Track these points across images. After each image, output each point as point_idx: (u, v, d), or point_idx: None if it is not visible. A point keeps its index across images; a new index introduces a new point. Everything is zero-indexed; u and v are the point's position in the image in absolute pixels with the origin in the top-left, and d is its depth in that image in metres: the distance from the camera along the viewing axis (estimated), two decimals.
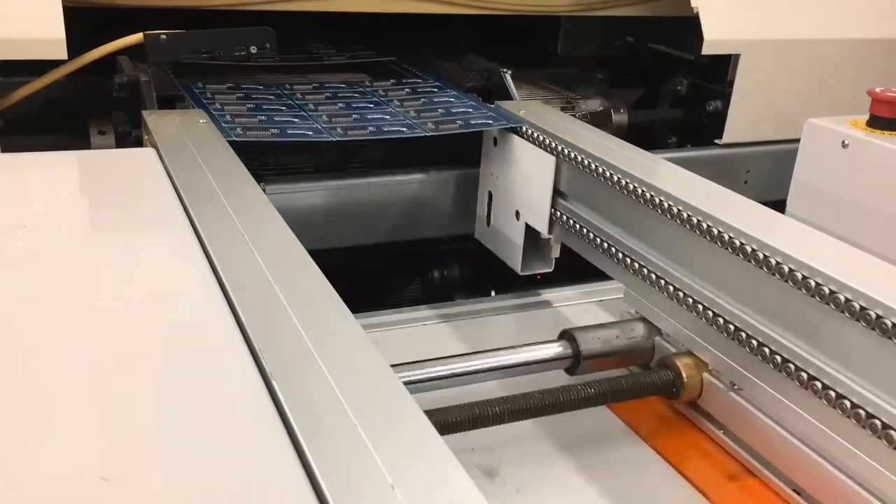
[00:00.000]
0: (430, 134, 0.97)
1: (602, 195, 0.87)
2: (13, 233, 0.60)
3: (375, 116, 1.01)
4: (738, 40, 1.20)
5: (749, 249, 0.68)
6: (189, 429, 0.41)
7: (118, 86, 0.99)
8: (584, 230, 0.89)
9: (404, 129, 0.98)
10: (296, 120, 0.98)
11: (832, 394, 0.63)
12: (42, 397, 0.43)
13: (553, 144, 0.92)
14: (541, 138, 0.95)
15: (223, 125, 0.91)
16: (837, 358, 0.63)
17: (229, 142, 0.83)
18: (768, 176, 1.24)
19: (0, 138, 0.90)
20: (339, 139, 0.94)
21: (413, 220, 1.07)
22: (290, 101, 1.05)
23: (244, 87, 1.08)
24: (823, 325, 0.63)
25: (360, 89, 1.13)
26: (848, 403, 0.61)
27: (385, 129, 0.97)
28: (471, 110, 1.05)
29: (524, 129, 0.97)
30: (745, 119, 1.24)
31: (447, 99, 1.10)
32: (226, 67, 1.11)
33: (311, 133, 0.95)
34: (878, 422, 0.60)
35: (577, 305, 1.02)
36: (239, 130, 0.91)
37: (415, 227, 1.07)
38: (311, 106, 1.03)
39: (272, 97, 1.06)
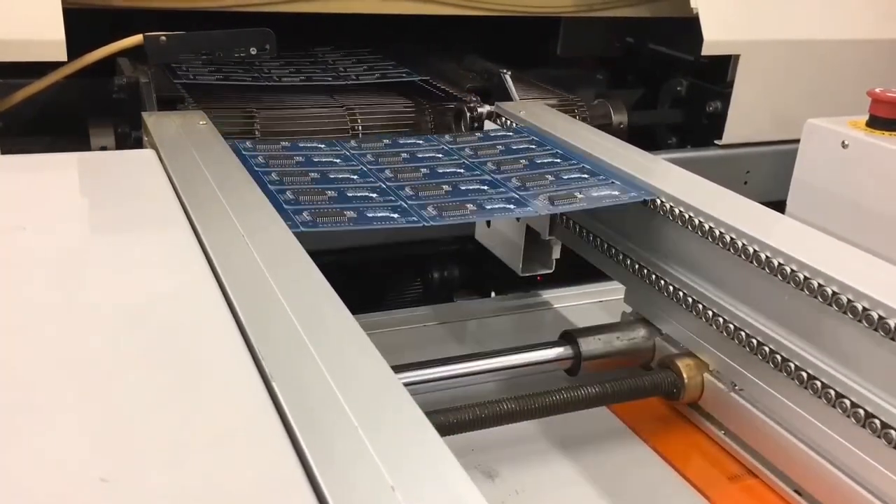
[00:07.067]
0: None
1: None
2: (13, 234, 0.60)
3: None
4: (737, 41, 1.20)
5: (749, 249, 0.68)
6: (188, 430, 0.41)
7: (118, 87, 0.99)
8: (585, 231, 0.89)
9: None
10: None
11: (832, 393, 0.63)
12: (42, 398, 0.43)
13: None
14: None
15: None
16: (838, 358, 0.63)
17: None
18: (768, 176, 1.24)
19: (0, 140, 0.90)
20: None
21: None
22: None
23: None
24: (824, 325, 0.63)
25: None
26: (848, 403, 0.61)
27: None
28: None
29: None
30: (744, 119, 1.23)
31: None
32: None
33: None
34: (878, 421, 0.60)
35: (577, 306, 1.02)
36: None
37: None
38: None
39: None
